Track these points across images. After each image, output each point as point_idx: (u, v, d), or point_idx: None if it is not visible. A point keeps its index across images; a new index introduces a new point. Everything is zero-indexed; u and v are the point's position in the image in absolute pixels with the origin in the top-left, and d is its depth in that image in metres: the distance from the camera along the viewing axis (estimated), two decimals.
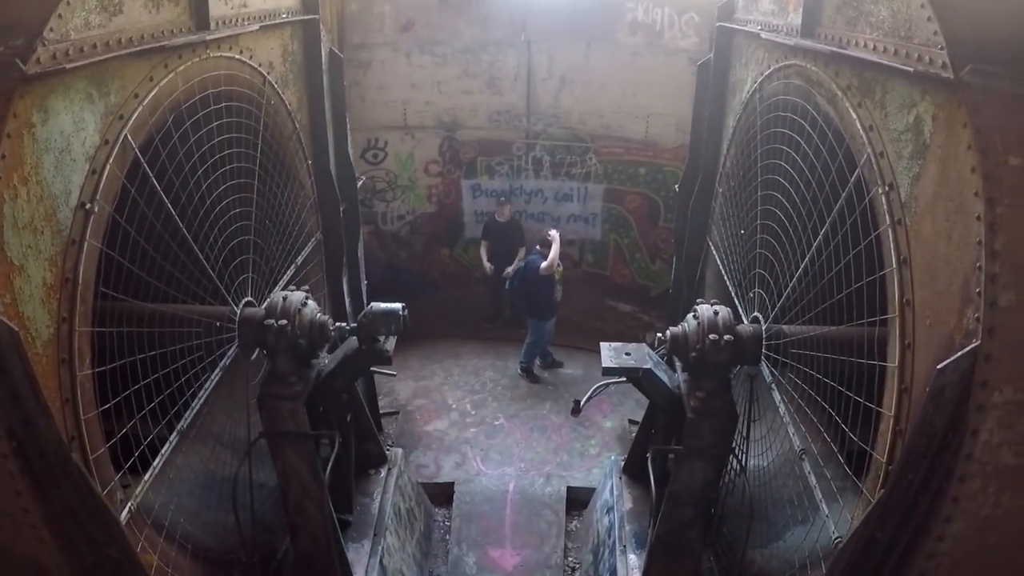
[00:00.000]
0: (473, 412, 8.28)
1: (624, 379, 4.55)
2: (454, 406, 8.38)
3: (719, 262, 5.24)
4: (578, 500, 6.92)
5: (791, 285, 3.71)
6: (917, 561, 2.68)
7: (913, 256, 2.69)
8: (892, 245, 2.78)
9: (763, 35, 4.27)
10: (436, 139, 9.63)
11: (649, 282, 9.93)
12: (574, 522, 6.82)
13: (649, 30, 8.89)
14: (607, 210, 9.88)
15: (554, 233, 8.29)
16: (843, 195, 3.16)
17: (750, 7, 4.93)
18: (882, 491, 2.68)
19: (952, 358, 2.31)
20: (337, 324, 4.31)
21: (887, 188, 2.82)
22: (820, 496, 3.48)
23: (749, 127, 4.55)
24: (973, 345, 2.30)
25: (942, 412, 2.39)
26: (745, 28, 4.81)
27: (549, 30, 8.96)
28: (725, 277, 5.01)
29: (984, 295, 2.30)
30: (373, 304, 4.45)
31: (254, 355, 4.21)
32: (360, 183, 6.55)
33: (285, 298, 4.00)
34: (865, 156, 2.97)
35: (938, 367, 2.34)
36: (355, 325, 4.45)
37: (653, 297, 9.78)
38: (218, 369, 3.96)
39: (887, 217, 2.81)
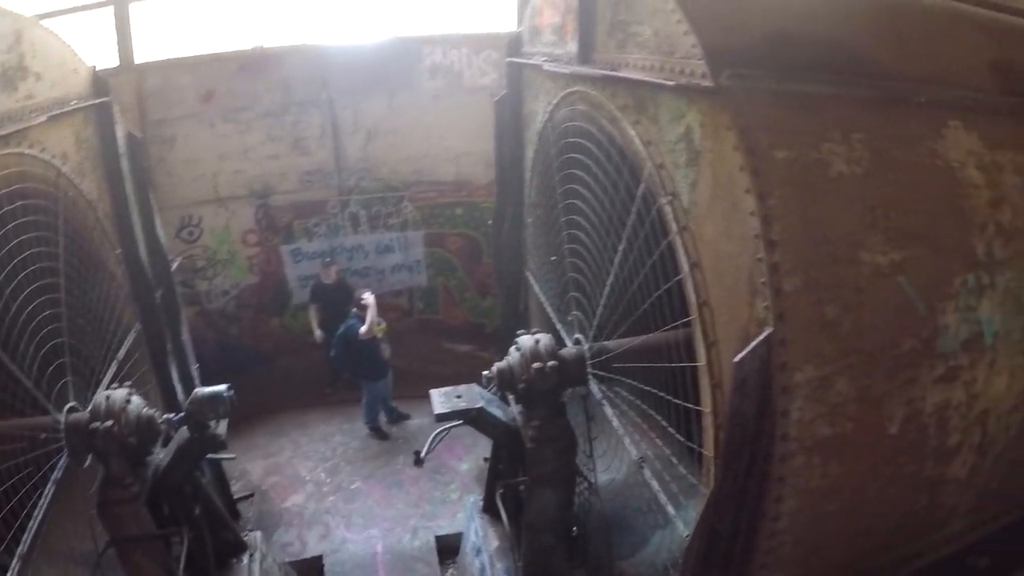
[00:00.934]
0: (328, 480, 7.95)
1: (462, 422, 4.48)
2: (308, 477, 8.01)
3: (538, 291, 5.31)
4: (449, 547, 6.80)
5: (603, 303, 3.79)
6: (761, 543, 2.78)
7: (702, 258, 2.81)
8: (682, 251, 2.90)
9: (546, 67, 4.42)
10: (250, 208, 9.26)
11: (483, 319, 9.97)
12: (449, 570, 6.68)
13: (448, 72, 9.06)
14: (430, 255, 9.87)
15: (368, 296, 8.07)
16: (633, 209, 3.28)
17: (534, 40, 5.10)
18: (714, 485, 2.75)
19: (747, 348, 2.41)
20: (164, 416, 4.08)
21: (670, 197, 2.94)
22: (665, 499, 3.55)
23: (546, 156, 4.66)
24: (766, 333, 2.42)
25: (749, 400, 2.48)
26: (531, 61, 4.96)
27: (350, 84, 8.90)
28: (545, 304, 5.08)
29: (769, 284, 2.42)
30: (197, 390, 4.29)
31: (87, 462, 3.88)
32: (176, 264, 6.16)
33: (108, 397, 3.76)
34: (647, 170, 3.10)
35: (735, 360, 2.43)
36: (183, 414, 4.25)
37: (489, 334, 9.82)
38: (50, 483, 3.61)
39: (674, 225, 2.92)
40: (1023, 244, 2.99)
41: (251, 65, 8.63)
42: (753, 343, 2.41)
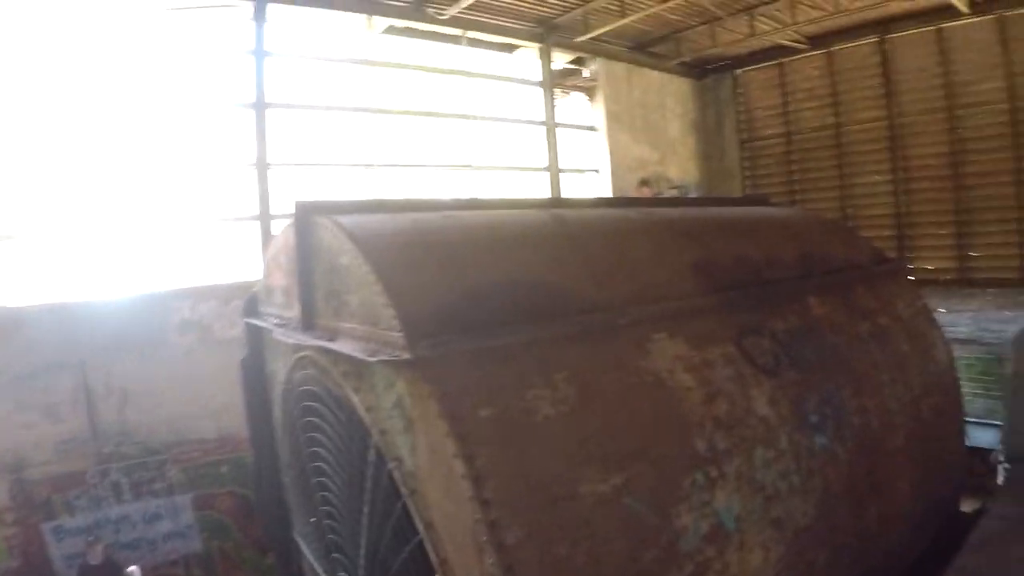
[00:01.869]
0: None
1: None
2: None
3: (308, 553, 4.98)
4: None
5: (361, 565, 3.62)
6: None
7: (433, 519, 2.80)
8: (416, 513, 2.88)
9: (275, 333, 4.41)
10: (3, 483, 8.20)
11: None
12: None
13: (198, 326, 8.82)
14: (201, 518, 9.11)
15: (133, 569, 7.23)
16: (369, 473, 3.24)
17: (268, 300, 5.12)
18: None
19: None
20: None
21: (396, 462, 2.95)
22: None
23: (290, 416, 4.56)
24: None
25: None
26: (264, 324, 4.95)
27: (102, 345, 8.41)
28: (316, 568, 4.76)
29: (491, 541, 2.45)
30: None
31: None
32: None
33: None
34: (374, 435, 3.11)
35: None
36: None
37: None
38: None
39: (403, 488, 2.91)
40: (744, 430, 3.31)
41: None
42: None
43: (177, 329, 8.87)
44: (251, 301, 5.53)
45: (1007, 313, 12.35)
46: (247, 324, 5.51)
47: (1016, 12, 15.13)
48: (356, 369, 3.28)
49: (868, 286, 5.15)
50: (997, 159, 15.63)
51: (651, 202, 4.02)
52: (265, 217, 11.10)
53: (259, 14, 11.61)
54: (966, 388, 6.36)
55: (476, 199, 4.77)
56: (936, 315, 5.82)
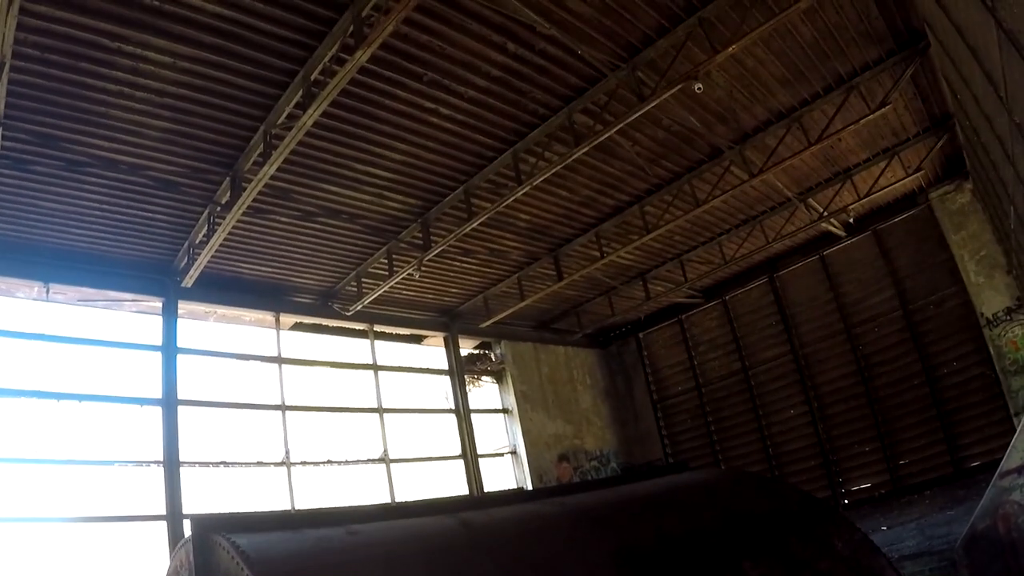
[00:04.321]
0: None
1: None
2: None
3: None
4: None
5: None
6: None
7: None
8: None
9: None
10: None
11: None
12: None
13: None
14: None
15: None
16: None
17: None
18: None
19: None
20: None
21: None
22: None
23: None
24: None
25: None
26: None
27: None
28: None
29: None
30: None
31: None
32: None
33: None
34: None
35: None
36: None
37: None
38: None
39: None
40: None
41: None
42: None
43: None
44: None
45: (949, 512, 12.23)
46: None
47: (889, 223, 16.74)
48: None
49: (801, 534, 5.02)
50: (904, 364, 16.41)
51: (564, 489, 3.94)
52: (174, 516, 10.40)
53: (169, 310, 11.78)
54: None
55: (385, 505, 4.59)
56: (877, 538, 5.66)
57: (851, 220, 15.96)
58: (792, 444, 18.00)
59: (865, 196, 14.79)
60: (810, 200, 15.05)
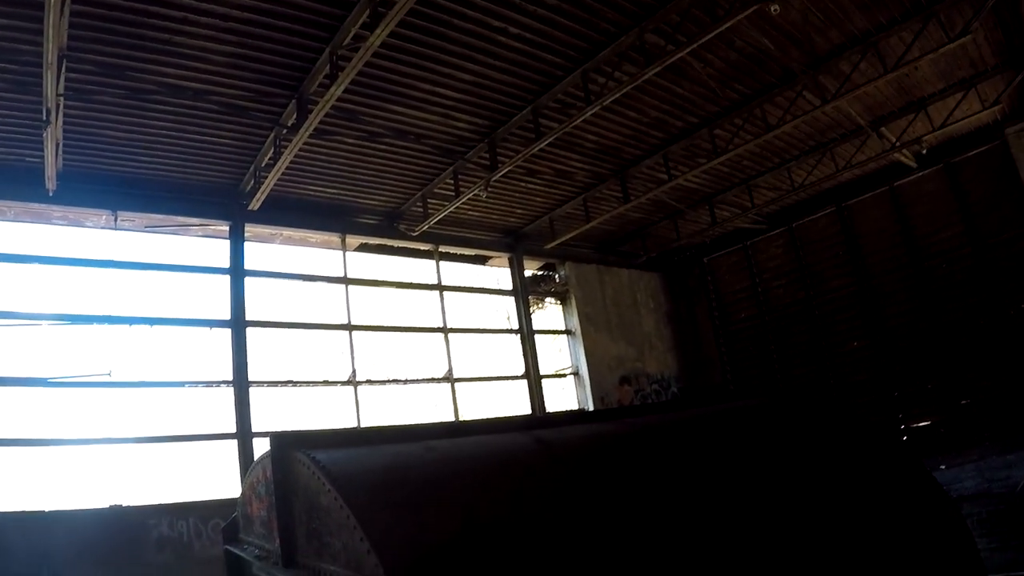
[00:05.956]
0: None
1: None
2: None
3: None
4: None
5: None
6: None
7: None
8: None
9: (255, 567, 4.22)
10: None
11: None
12: None
13: (177, 544, 8.45)
14: None
15: None
16: None
17: (248, 529, 4.94)
18: None
19: None
20: None
21: None
22: None
23: None
24: None
25: None
26: (243, 553, 4.74)
27: (74, 558, 7.96)
28: None
29: None
30: None
31: None
32: None
33: None
34: None
35: None
36: None
37: None
38: None
39: None
40: None
41: None
42: None
43: (154, 546, 8.47)
44: (231, 527, 5.34)
45: (1009, 456, 12.08)
46: (227, 551, 5.29)
47: (962, 157, 16.03)
48: None
49: (865, 465, 5.04)
50: (972, 304, 15.98)
51: (632, 411, 4.03)
52: (244, 435, 10.96)
53: (236, 233, 12.08)
54: (982, 544, 6.11)
55: (456, 422, 4.76)
56: (937, 476, 5.68)
57: (923, 152, 15.29)
58: (854, 376, 17.84)
59: (939, 128, 14.17)
60: (882, 129, 14.47)
